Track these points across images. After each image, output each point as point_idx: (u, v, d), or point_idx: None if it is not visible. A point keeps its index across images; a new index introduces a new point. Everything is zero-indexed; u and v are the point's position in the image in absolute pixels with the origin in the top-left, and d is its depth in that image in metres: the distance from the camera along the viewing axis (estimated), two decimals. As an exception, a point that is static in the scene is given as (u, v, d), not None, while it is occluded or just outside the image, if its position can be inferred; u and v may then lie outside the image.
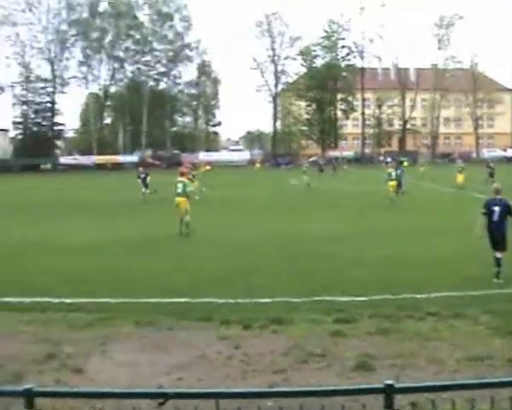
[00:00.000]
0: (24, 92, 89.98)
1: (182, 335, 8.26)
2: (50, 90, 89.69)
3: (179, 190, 18.12)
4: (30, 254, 15.10)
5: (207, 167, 48.20)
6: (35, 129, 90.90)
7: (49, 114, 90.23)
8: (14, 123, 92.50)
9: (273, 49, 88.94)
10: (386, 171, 28.86)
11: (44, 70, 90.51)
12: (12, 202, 31.30)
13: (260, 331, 8.32)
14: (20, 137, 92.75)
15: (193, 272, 12.53)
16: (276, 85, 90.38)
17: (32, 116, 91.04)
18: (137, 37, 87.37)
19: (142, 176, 30.47)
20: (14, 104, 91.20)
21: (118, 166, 76.80)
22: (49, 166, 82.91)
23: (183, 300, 9.97)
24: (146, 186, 29.98)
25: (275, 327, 8.42)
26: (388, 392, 2.86)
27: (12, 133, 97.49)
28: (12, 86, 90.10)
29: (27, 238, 17.85)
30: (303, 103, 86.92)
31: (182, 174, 18.91)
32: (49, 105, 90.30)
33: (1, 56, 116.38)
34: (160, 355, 7.50)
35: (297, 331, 8.23)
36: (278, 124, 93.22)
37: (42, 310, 9.50)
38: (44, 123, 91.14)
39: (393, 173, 27.36)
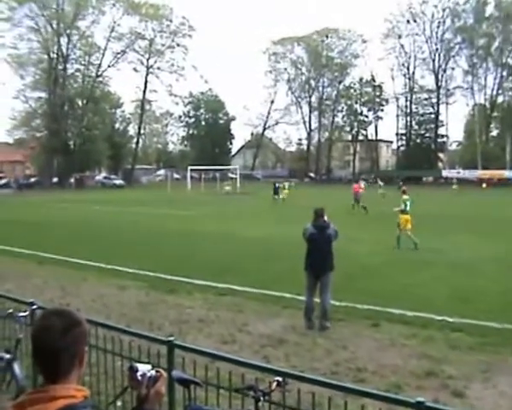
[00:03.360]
0: (408, 104, 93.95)
1: None
2: (434, 100, 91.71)
3: (408, 208, 19.85)
4: (420, 267, 15.73)
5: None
6: (418, 141, 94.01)
7: (432, 125, 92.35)
8: (398, 134, 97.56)
9: None
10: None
11: (428, 80, 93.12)
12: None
13: None
14: (402, 148, 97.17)
15: None
16: None
17: (415, 127, 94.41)
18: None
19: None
20: (397, 116, 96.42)
21: (503, 182, 73.60)
22: (430, 178, 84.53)
23: None
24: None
25: None
26: None
27: (395, 145, 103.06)
28: (396, 98, 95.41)
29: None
30: None
31: (404, 192, 20.58)
32: (432, 116, 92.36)
33: (386, 68, 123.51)
34: (550, 395, 6.99)
35: None
36: None
37: (423, 325, 9.80)
38: (427, 135, 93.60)
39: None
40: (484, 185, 70.09)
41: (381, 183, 49.99)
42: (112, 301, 11.90)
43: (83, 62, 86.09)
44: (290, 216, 31.34)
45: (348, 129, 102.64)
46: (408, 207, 19.88)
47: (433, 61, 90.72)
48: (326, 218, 10.35)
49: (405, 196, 20.25)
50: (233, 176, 74.02)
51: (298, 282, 11.55)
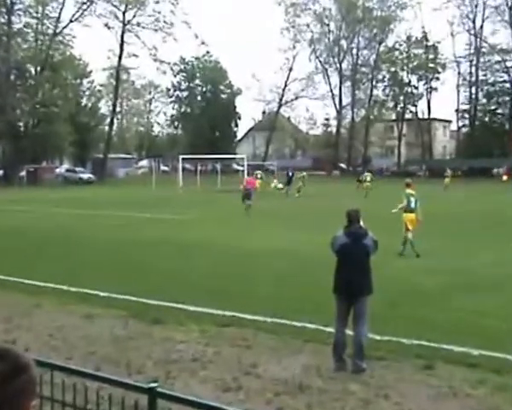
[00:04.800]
0: (473, 70, 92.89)
1: None
2: (510, 64, 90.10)
3: (413, 205, 21.07)
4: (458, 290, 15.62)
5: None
6: (486, 119, 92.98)
7: (506, 98, 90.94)
8: (459, 111, 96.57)
9: None
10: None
11: (502, 37, 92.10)
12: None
13: None
14: (465, 130, 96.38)
15: None
16: None
17: (483, 102, 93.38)
18: None
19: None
20: (458, 86, 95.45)
21: None
22: (501, 170, 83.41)
23: None
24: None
25: None
26: None
27: (455, 125, 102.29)
28: (457, 62, 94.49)
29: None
30: None
31: (408, 185, 21.81)
32: (507, 86, 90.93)
33: (443, 22, 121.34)
34: None
35: None
36: None
37: (495, 370, 9.59)
38: (500, 111, 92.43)
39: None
40: (505, 178, 73.00)
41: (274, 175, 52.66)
42: (75, 335, 11.87)
43: (35, 15, 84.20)
44: (312, 220, 31.31)
45: (391, 105, 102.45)
46: (413, 204, 21.00)
47: (510, 9, 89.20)
48: (362, 223, 10.30)
49: (409, 191, 21.41)
50: (239, 168, 73.99)
51: (324, 308, 11.53)
